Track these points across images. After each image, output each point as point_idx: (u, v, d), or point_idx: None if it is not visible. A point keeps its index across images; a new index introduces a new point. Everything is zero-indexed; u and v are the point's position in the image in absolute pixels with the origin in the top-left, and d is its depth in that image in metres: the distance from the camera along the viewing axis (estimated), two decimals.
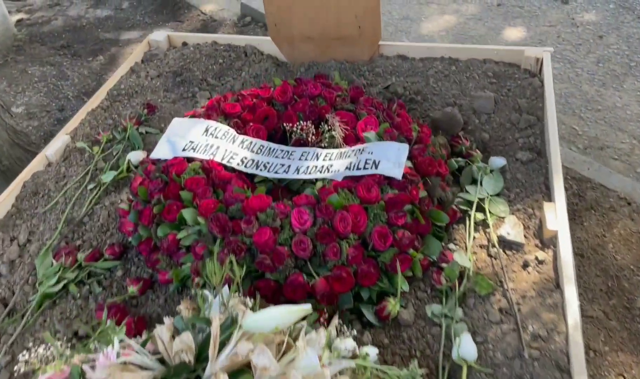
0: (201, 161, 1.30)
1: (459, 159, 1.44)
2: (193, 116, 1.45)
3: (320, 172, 1.27)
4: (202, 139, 1.36)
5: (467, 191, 1.35)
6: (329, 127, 1.39)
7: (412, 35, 3.30)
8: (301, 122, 1.39)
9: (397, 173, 1.20)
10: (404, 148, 1.27)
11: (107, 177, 1.45)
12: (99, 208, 1.40)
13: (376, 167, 1.22)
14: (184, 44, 2.01)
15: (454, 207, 1.27)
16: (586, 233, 1.75)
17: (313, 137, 1.39)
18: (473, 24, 3.36)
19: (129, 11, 3.57)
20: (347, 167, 1.25)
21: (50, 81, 2.85)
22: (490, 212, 1.29)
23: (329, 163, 1.30)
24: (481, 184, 1.36)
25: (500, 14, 3.41)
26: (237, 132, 1.41)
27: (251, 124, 1.42)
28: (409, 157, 1.28)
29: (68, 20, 3.50)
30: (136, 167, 1.49)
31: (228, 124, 1.42)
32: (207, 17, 3.37)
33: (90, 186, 1.46)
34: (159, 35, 2.00)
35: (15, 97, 2.72)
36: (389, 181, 1.20)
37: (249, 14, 3.20)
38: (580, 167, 1.99)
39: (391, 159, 1.24)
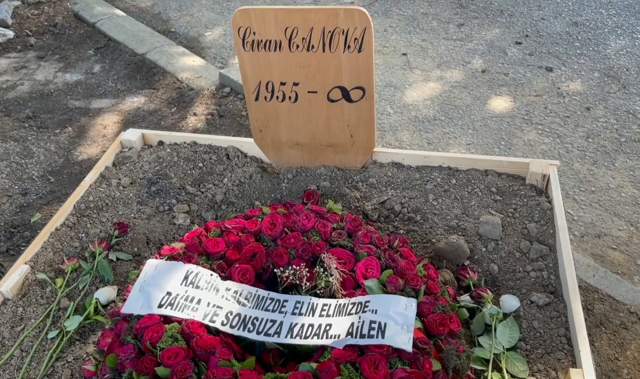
0: (180, 321, 1.13)
1: (467, 298, 1.30)
2: (171, 257, 1.28)
3: (318, 336, 1.11)
4: (181, 290, 1.19)
5: (480, 344, 1.21)
6: (325, 270, 1.24)
7: (397, 105, 3.20)
8: (293, 266, 1.24)
9: (407, 344, 1.05)
10: (412, 306, 1.13)
11: (72, 324, 1.27)
12: (60, 366, 1.21)
13: (383, 335, 1.07)
14: (160, 143, 1.85)
15: (470, 374, 1.12)
16: (598, 356, 1.62)
17: (307, 282, 1.23)
18: (458, 92, 3.28)
19: (101, 76, 3.40)
20: (349, 332, 1.10)
21: (14, 160, 2.64)
22: (507, 371, 1.15)
23: (327, 322, 1.14)
24: (495, 333, 1.22)
25: (485, 82, 3.34)
26: (221, 276, 1.24)
27: (237, 265, 1.26)
28: (417, 313, 1.14)
29: (35, 86, 3.31)
30: (105, 306, 1.31)
31: (211, 266, 1.26)
32: (183, 85, 3.22)
33: (52, 334, 1.27)
34: (132, 134, 1.83)
35: None
36: (398, 352, 1.05)
37: (228, 84, 3.07)
38: (585, 273, 1.88)
39: (398, 321, 1.09)
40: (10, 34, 3.78)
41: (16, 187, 2.49)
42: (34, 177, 2.58)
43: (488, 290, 1.31)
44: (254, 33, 1.50)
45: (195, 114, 2.97)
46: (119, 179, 1.68)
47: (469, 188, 1.57)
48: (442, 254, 1.39)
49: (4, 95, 3.22)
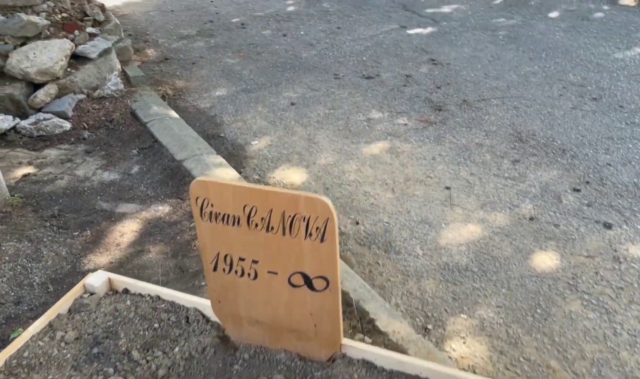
0: None
1: None
2: None
3: None
4: None
5: None
6: None
7: (428, 246, 2.95)
8: None
9: None
10: None
11: None
12: None
13: None
14: (125, 291, 1.72)
15: None
16: None
17: None
18: (499, 240, 2.98)
19: (136, 178, 3.42)
20: None
21: (21, 262, 2.63)
22: None
23: None
24: None
25: (531, 232, 3.03)
26: None
27: None
28: None
29: (72, 182, 3.38)
30: None
31: None
32: None
33: None
34: (98, 278, 1.72)
35: None
36: None
37: None
38: None
39: None
40: (67, 126, 3.95)
41: (12, 294, 2.45)
42: (34, 284, 2.54)
43: None
44: (212, 205, 1.36)
45: None
46: (65, 332, 1.56)
47: None
48: None
49: (41, 188, 3.30)
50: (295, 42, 5.98)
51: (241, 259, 1.41)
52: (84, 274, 2.64)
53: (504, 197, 3.32)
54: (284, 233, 1.32)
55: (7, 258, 2.64)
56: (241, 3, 7.47)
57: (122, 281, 1.73)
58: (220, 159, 3.54)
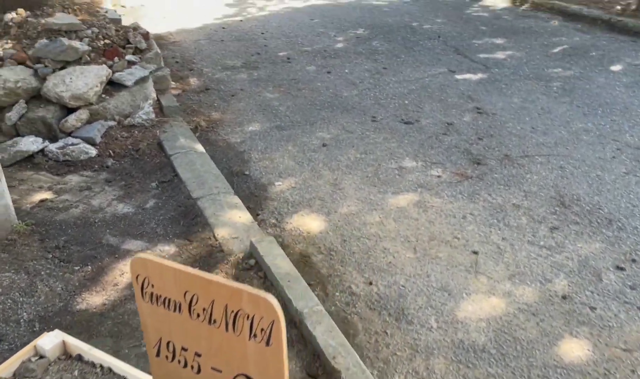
0: None
1: None
2: None
3: None
4: None
5: None
6: None
7: (444, 318, 2.69)
8: None
9: None
10: None
11: None
12: None
13: None
14: (79, 357, 1.57)
15: None
16: None
17: None
18: (524, 319, 2.69)
19: (149, 213, 3.33)
20: None
21: (12, 296, 2.56)
22: None
23: None
24: None
25: (562, 313, 2.72)
26: None
27: None
28: None
29: (85, 212, 3.32)
30: None
31: None
32: (216, 244, 3.02)
33: None
34: (51, 340, 1.58)
35: None
36: None
37: (255, 257, 2.80)
38: None
39: None
40: (93, 152, 3.94)
41: None
42: (21, 320, 2.46)
43: None
44: (153, 286, 1.20)
45: None
46: None
47: None
48: None
49: (54, 216, 3.26)
50: (338, 80, 5.86)
51: (184, 349, 1.24)
52: (72, 315, 2.53)
53: (536, 268, 3.02)
54: (227, 329, 1.13)
55: (0, 290, 2.57)
56: (291, 37, 7.46)
57: (77, 345, 1.58)
58: (236, 200, 3.40)
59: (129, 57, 4.53)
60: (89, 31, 4.59)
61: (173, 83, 5.72)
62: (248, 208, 3.49)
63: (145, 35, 4.94)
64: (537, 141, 4.45)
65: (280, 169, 4.06)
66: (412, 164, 4.13)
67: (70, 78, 4.12)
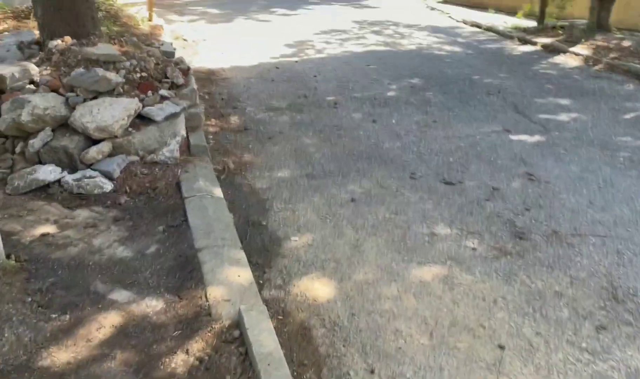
0: None
1: None
2: None
3: None
4: None
5: None
6: None
7: None
8: None
9: None
10: None
11: None
12: None
13: None
14: None
15: None
16: None
17: None
18: None
19: (147, 260, 3.11)
20: None
21: None
22: None
23: None
24: None
25: None
26: None
27: None
28: None
29: (83, 252, 3.14)
30: None
31: None
32: (205, 305, 2.73)
33: None
34: None
35: None
36: None
37: (241, 328, 2.49)
38: None
39: None
40: (108, 187, 3.80)
41: None
42: None
43: None
44: None
45: (187, 352, 2.42)
46: None
47: None
48: None
49: (49, 253, 3.09)
50: (382, 130, 5.56)
51: None
52: (33, 371, 2.31)
53: (572, 376, 2.54)
54: None
55: None
56: (343, 81, 7.26)
57: None
58: (240, 255, 3.13)
59: (162, 91, 4.43)
60: (127, 63, 4.53)
61: (213, 120, 5.61)
62: (255, 264, 3.21)
63: (185, 71, 4.85)
64: (593, 218, 3.94)
65: (300, 223, 3.77)
66: (446, 231, 3.73)
67: (98, 109, 4.04)
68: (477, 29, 11.65)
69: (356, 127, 5.67)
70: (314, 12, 12.28)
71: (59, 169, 3.84)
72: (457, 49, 9.65)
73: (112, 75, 4.23)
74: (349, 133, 5.49)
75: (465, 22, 12.10)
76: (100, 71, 4.20)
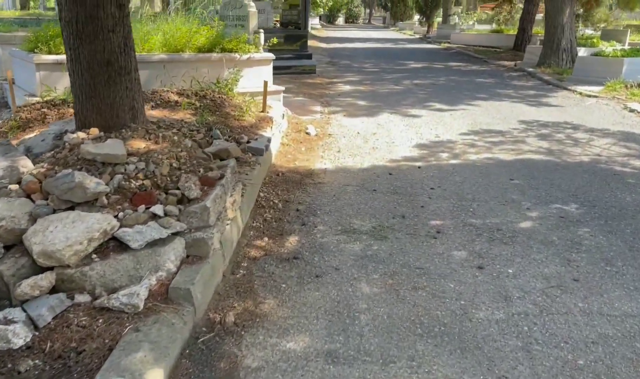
0: None
1: None
2: None
3: None
4: None
5: None
6: None
7: None
8: None
9: None
10: None
11: None
12: None
13: None
14: None
15: None
16: None
17: None
18: None
19: None
20: None
21: None
22: None
23: None
24: None
25: None
26: None
27: None
28: None
29: None
30: None
31: None
32: None
33: None
34: None
35: None
36: None
37: None
38: None
39: None
40: (19, 342, 2.71)
41: None
42: None
43: None
44: None
45: None
46: None
47: None
48: None
49: None
50: (484, 286, 3.76)
51: None
52: None
53: None
54: None
55: None
56: (464, 199, 5.55)
57: None
58: None
59: (154, 207, 3.32)
60: (131, 167, 3.56)
61: (265, 240, 4.39)
62: None
63: (206, 180, 3.71)
64: None
65: None
66: None
67: (56, 226, 3.05)
68: None
69: (448, 274, 3.94)
70: (476, 108, 10.68)
71: None
72: None
73: (91, 183, 3.25)
74: (431, 284, 3.79)
75: None
76: (78, 176, 3.25)
